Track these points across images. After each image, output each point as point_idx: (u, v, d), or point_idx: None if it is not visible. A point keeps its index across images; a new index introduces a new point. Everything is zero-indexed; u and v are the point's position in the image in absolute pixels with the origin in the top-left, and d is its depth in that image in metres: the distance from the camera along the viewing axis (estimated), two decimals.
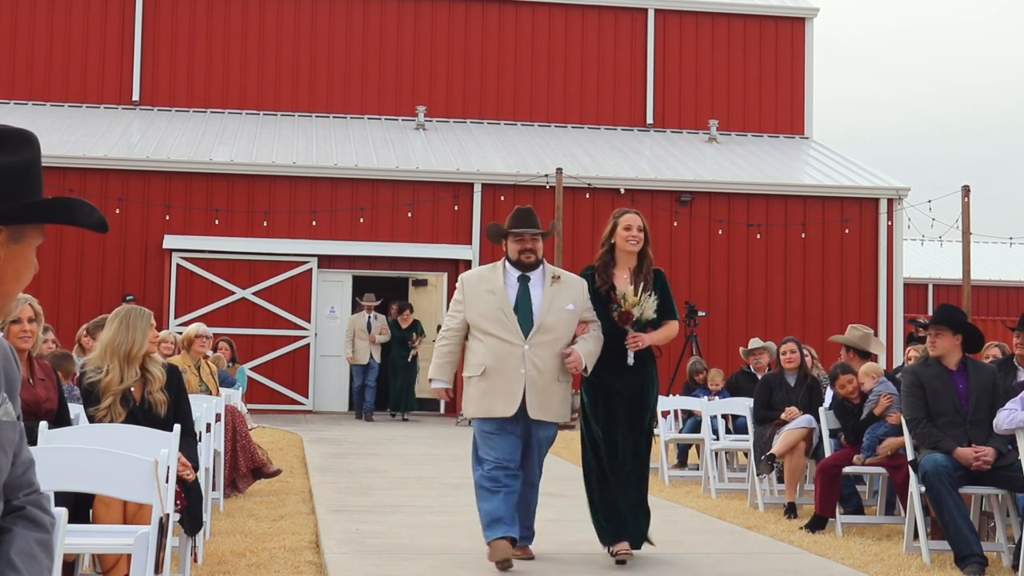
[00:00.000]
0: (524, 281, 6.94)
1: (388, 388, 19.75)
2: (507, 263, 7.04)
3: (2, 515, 2.35)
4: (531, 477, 7.03)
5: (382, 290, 20.94)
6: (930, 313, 30.97)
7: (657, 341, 7.16)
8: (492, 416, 6.80)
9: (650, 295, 7.06)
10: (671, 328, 7.24)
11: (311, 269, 20.46)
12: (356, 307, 21.23)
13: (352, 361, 19.38)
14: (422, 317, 20.22)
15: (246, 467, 10.29)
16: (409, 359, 19.54)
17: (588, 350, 6.88)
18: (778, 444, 9.75)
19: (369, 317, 19.36)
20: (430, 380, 7.09)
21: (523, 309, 6.86)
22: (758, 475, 10.06)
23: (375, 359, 19.37)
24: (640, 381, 7.15)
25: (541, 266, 7.01)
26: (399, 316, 19.63)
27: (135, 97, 23.56)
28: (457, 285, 7.09)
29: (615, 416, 7.08)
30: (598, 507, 7.13)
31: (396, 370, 19.50)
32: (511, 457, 6.81)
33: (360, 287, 21.12)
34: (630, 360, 7.05)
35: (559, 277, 6.97)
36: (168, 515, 5.23)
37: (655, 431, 12.29)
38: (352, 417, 19.75)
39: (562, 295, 6.90)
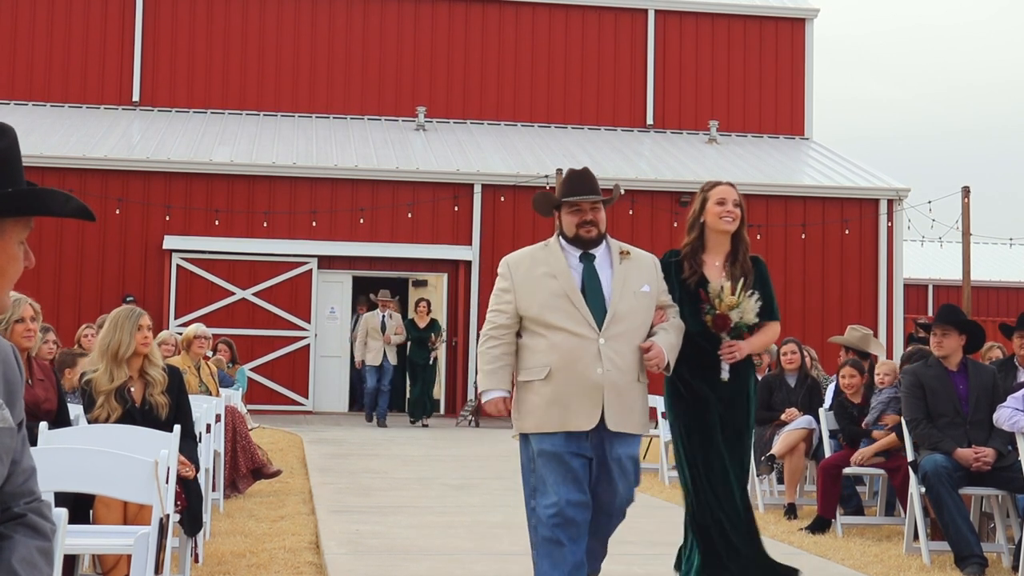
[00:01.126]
0: (588, 260, 5.44)
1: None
2: (562, 240, 5.50)
3: (3, 522, 2.34)
4: (610, 508, 5.38)
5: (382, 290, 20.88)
6: (930, 314, 30.97)
7: (756, 349, 5.84)
8: (566, 430, 5.21)
9: (752, 294, 5.70)
10: (772, 331, 5.88)
11: (311, 270, 20.46)
12: (356, 306, 21.21)
13: (363, 363, 18.23)
14: None
15: (246, 468, 10.30)
16: (431, 361, 18.40)
17: (670, 343, 5.42)
18: (778, 445, 9.75)
19: (383, 316, 18.19)
20: (480, 393, 5.46)
21: (592, 294, 5.35)
22: (758, 476, 10.06)
23: (389, 360, 18.11)
24: (735, 388, 5.78)
25: (605, 241, 5.51)
26: (416, 312, 18.54)
27: (135, 98, 23.57)
28: (500, 271, 5.52)
29: (710, 434, 5.73)
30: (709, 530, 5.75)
31: (415, 373, 18.38)
32: (584, 491, 5.24)
33: (360, 288, 21.12)
34: (724, 375, 5.69)
35: (628, 253, 5.49)
36: (168, 516, 5.23)
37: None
38: (354, 418, 19.70)
39: (635, 275, 5.43)
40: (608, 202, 5.51)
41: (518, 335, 5.43)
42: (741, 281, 5.68)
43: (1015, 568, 7.07)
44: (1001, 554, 7.59)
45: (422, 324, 18.29)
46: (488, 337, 5.44)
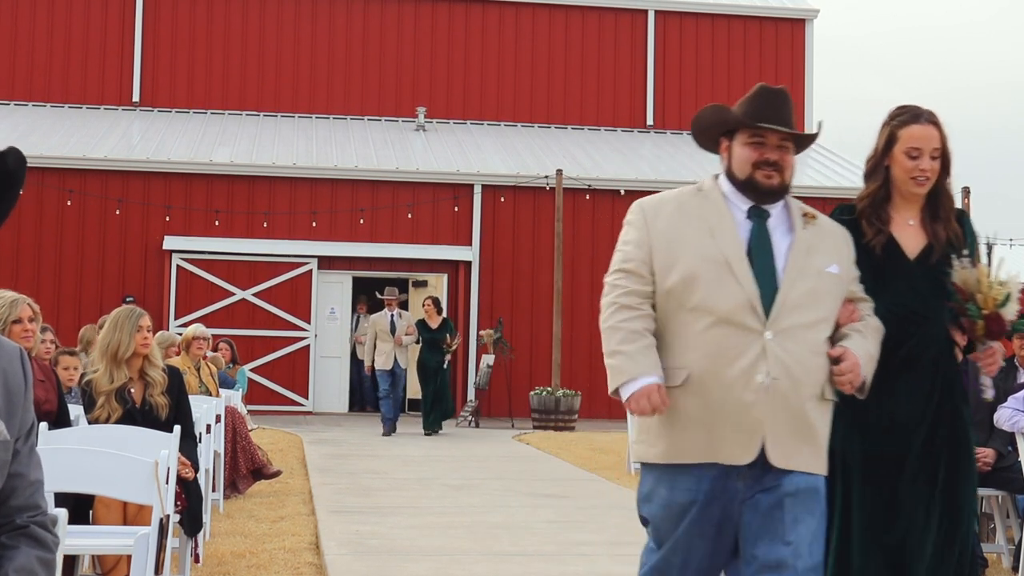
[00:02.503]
0: (759, 217, 3.74)
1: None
2: (726, 184, 3.81)
3: (6, 533, 2.33)
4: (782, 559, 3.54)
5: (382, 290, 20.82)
6: None
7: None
8: (711, 461, 3.56)
9: (1010, 275, 3.95)
10: None
11: (311, 270, 20.46)
12: (356, 306, 21.22)
13: (374, 367, 16.66)
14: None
15: (246, 468, 10.30)
16: (444, 364, 16.90)
17: (868, 352, 3.73)
18: None
19: (392, 316, 16.72)
20: (619, 387, 3.60)
21: (760, 264, 3.65)
22: None
23: (400, 363, 16.60)
24: (942, 406, 3.99)
25: (785, 198, 3.82)
26: (425, 311, 16.99)
27: (135, 98, 23.57)
28: (631, 218, 3.81)
29: (901, 469, 3.90)
30: None
31: (426, 378, 16.73)
32: (721, 560, 3.64)
33: (360, 288, 21.13)
34: (989, 393, 4.09)
35: (814, 216, 3.82)
36: (168, 516, 5.24)
37: None
38: (354, 418, 19.70)
39: (822, 248, 3.75)
40: (804, 142, 3.84)
41: None
42: (998, 262, 4.00)
43: (1015, 568, 7.06)
44: (1001, 554, 7.59)
45: (434, 324, 16.82)
46: (618, 307, 3.66)
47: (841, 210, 4.16)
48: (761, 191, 3.72)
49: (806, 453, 3.59)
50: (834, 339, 3.71)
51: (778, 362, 3.54)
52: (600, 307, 3.73)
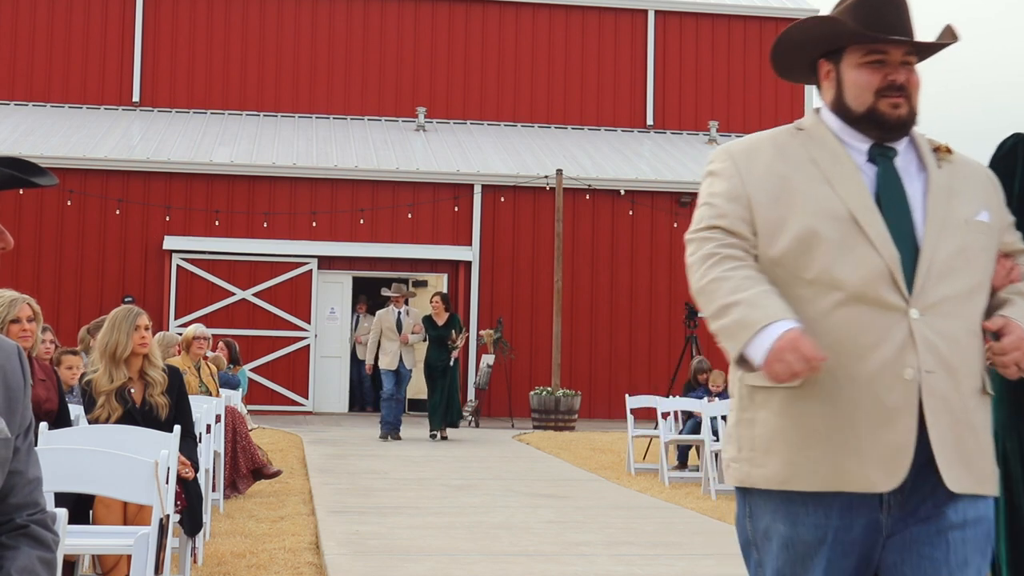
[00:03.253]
0: (885, 158, 2.81)
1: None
2: (834, 120, 2.89)
3: (6, 533, 2.33)
4: None
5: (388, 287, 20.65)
6: None
7: None
8: (844, 490, 2.66)
9: None
10: None
11: (311, 270, 20.47)
12: (356, 306, 21.24)
13: (373, 368, 15.92)
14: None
15: (246, 468, 10.30)
16: (451, 362, 15.89)
17: None
18: None
19: (399, 313, 15.88)
20: (748, 340, 2.58)
21: (894, 220, 2.74)
22: None
23: (406, 364, 15.78)
24: None
25: (910, 131, 2.87)
26: (432, 307, 16.12)
27: (135, 98, 23.58)
28: (717, 166, 2.86)
29: None
30: None
31: (433, 377, 15.81)
32: None
33: (360, 288, 21.14)
34: None
35: (949, 151, 2.88)
36: (168, 516, 5.24)
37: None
38: (354, 418, 19.71)
39: (965, 191, 2.84)
40: (929, 52, 2.86)
41: None
42: None
43: None
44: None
45: (440, 321, 15.90)
46: (720, 257, 2.72)
47: (1009, 143, 3.34)
48: (888, 125, 2.79)
49: (978, 468, 2.71)
50: (989, 308, 2.81)
51: (930, 349, 2.65)
52: (688, 265, 2.80)
